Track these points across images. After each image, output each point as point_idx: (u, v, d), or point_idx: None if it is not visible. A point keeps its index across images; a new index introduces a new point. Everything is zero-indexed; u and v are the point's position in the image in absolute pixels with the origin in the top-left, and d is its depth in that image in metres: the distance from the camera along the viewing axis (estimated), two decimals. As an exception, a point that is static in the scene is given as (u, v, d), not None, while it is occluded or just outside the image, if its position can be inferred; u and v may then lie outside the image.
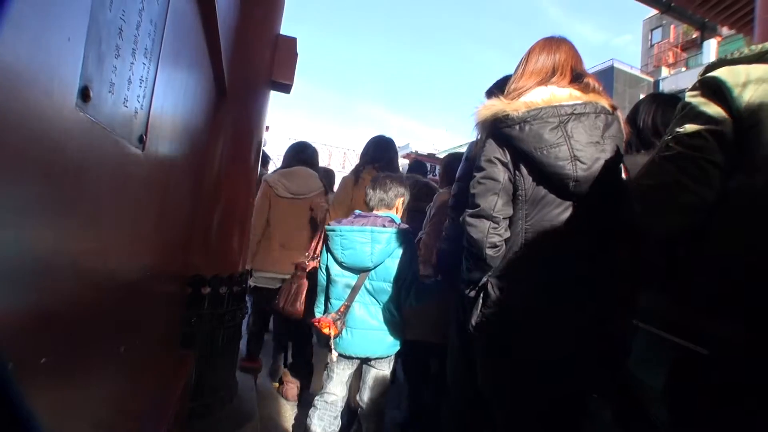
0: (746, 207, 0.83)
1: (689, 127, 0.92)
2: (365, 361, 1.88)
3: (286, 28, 2.74)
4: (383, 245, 1.78)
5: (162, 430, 1.30)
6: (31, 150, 0.46)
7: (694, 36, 17.95)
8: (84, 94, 0.55)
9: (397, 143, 2.94)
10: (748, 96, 0.85)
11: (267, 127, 3.25)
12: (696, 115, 0.92)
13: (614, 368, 1.17)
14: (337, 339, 1.81)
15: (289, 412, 2.57)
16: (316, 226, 2.87)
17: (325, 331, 1.78)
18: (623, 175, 1.31)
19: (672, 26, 19.87)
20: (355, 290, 1.83)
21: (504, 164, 1.26)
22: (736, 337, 0.79)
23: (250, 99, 2.49)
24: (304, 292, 2.41)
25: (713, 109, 0.90)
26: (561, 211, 1.23)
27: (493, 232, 1.25)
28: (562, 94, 1.25)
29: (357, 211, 1.93)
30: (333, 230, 1.84)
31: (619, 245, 1.16)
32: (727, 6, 4.38)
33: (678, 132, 0.93)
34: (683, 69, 19.33)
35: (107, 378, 0.87)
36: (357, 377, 1.97)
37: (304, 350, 2.86)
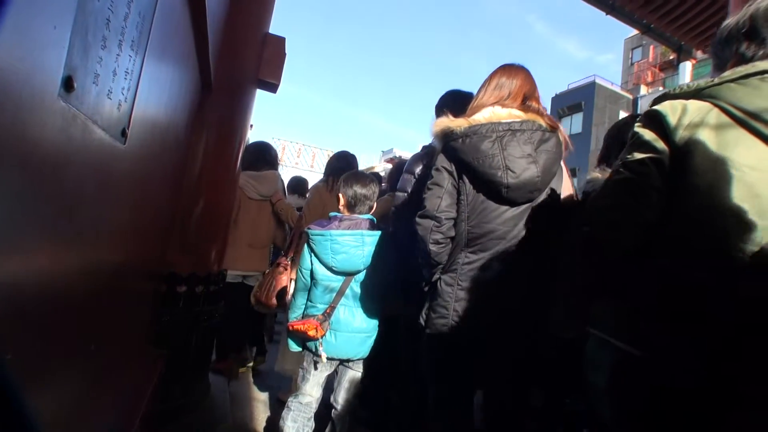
0: (679, 227, 0.95)
1: (636, 155, 1.03)
2: (344, 362, 1.88)
3: (279, 31, 2.73)
4: (371, 248, 1.81)
5: (130, 432, 1.27)
6: (9, 138, 0.44)
7: (671, 57, 18.61)
8: (67, 84, 0.53)
9: (382, 148, 3.09)
10: (683, 129, 0.98)
11: (251, 126, 3.25)
12: (641, 143, 1.03)
13: (569, 372, 1.31)
14: (318, 341, 1.79)
15: (262, 415, 2.54)
16: (281, 225, 3.11)
17: (311, 333, 1.76)
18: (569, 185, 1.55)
19: (651, 47, 20.54)
20: (340, 293, 1.83)
21: (449, 172, 1.46)
22: (662, 340, 0.91)
23: (235, 96, 2.46)
24: (279, 288, 2.49)
25: (655, 139, 1.01)
26: (499, 214, 1.42)
27: (436, 230, 1.44)
28: (502, 113, 1.44)
29: (335, 214, 1.90)
30: (322, 235, 1.79)
31: (577, 256, 1.29)
32: (701, 32, 4.70)
33: (627, 158, 1.05)
34: (660, 88, 19.98)
35: (73, 376, 0.84)
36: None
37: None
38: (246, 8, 2.36)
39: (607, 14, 4.95)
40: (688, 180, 0.95)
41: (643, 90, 19.11)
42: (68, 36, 0.50)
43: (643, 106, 17.97)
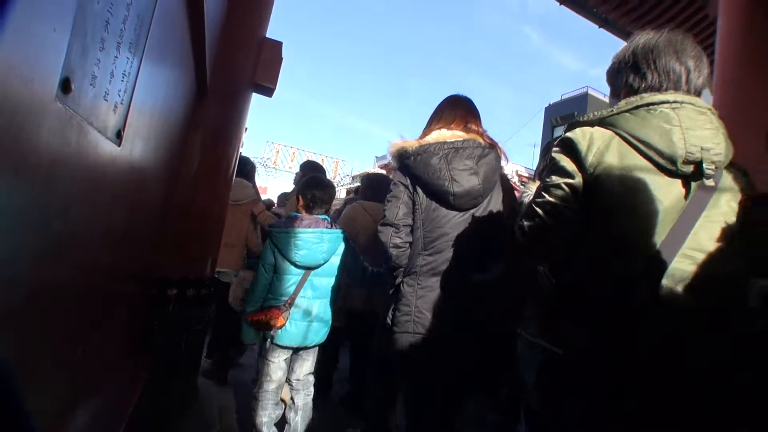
0: (590, 242, 1.10)
1: (554, 179, 1.16)
2: (299, 350, 2.10)
3: (277, 35, 2.73)
4: (330, 244, 2.07)
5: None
6: (5, 139, 0.44)
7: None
8: (65, 86, 0.53)
9: (376, 153, 3.37)
10: (591, 154, 1.11)
11: (245, 129, 3.29)
12: (558, 168, 1.15)
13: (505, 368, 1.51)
14: (279, 330, 2.00)
15: (250, 422, 2.51)
16: (254, 230, 3.49)
17: (274, 322, 1.95)
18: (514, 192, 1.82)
19: (643, 60, 20.86)
20: (300, 286, 2.04)
21: (405, 186, 1.69)
22: (579, 341, 1.05)
23: (231, 100, 2.46)
24: None
25: (569, 165, 1.13)
26: (449, 220, 1.64)
27: (395, 236, 1.67)
28: (447, 134, 1.70)
29: (294, 214, 2.13)
30: (286, 232, 2.03)
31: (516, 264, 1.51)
32: None
33: (547, 182, 1.17)
34: (652, 102, 20.25)
35: (59, 379, 0.83)
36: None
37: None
38: (243, 12, 2.37)
39: (600, 27, 5.04)
40: (599, 200, 1.09)
41: (635, 102, 19.35)
42: (67, 38, 0.50)
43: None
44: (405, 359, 1.62)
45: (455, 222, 1.64)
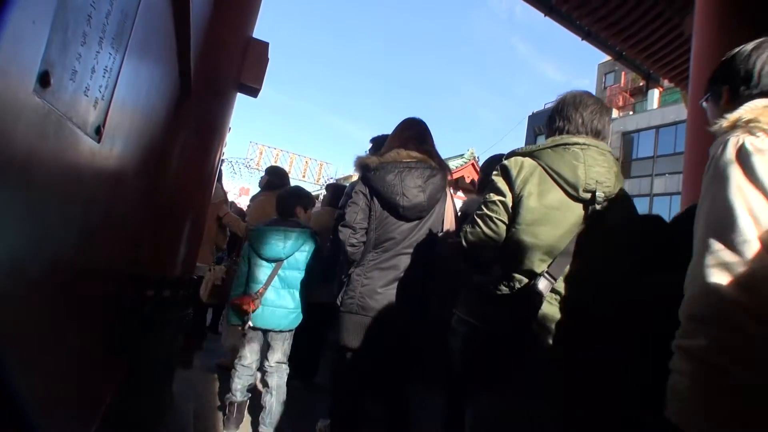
0: (511, 246, 1.44)
1: (491, 195, 1.50)
2: (270, 332, 2.45)
3: (264, 36, 2.71)
4: (293, 241, 2.44)
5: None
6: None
7: (641, 84, 19.34)
8: (43, 80, 0.52)
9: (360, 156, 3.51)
10: (519, 179, 1.45)
11: (229, 129, 3.27)
12: (495, 188, 1.50)
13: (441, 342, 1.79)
14: (252, 314, 2.39)
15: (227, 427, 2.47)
16: (222, 229, 3.96)
17: (245, 307, 2.35)
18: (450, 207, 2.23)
19: (623, 72, 21.31)
20: (271, 277, 2.43)
21: (364, 194, 2.01)
22: (495, 316, 1.43)
23: (215, 99, 2.43)
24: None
25: (503, 186, 1.48)
26: (397, 227, 1.98)
27: (352, 236, 1.99)
28: (403, 154, 2.01)
29: (273, 218, 2.59)
30: (257, 230, 2.49)
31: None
32: (669, 62, 5.02)
33: (486, 198, 1.52)
34: (630, 113, 20.72)
35: (26, 380, 0.81)
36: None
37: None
38: (230, 12, 2.35)
39: (582, 39, 5.15)
40: (521, 213, 1.43)
41: (615, 113, 19.73)
42: (47, 31, 0.49)
43: (614, 128, 18.57)
44: (346, 333, 2.00)
45: (402, 229, 1.99)
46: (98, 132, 0.83)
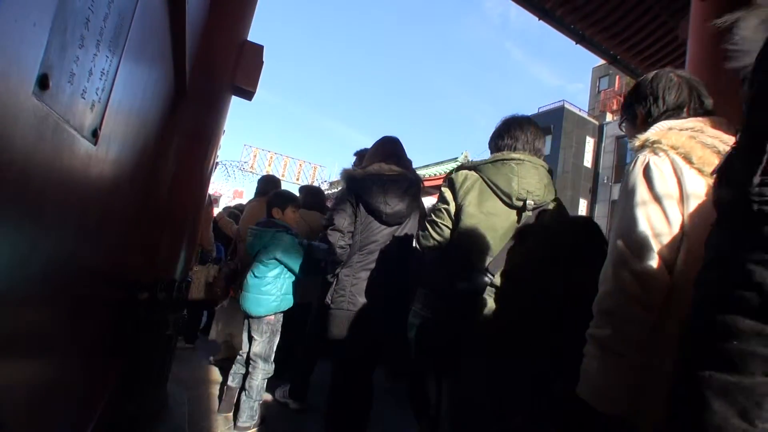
0: (456, 247, 1.71)
1: (439, 204, 1.77)
2: (250, 318, 2.72)
3: (258, 39, 2.72)
4: (264, 240, 2.71)
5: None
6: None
7: (635, 87, 19.46)
8: (42, 82, 0.52)
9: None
10: (462, 190, 1.71)
11: (223, 131, 3.27)
12: (442, 198, 1.77)
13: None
14: (241, 298, 2.71)
15: (221, 428, 2.46)
16: (206, 232, 4.16)
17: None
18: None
19: (617, 76, 21.43)
20: (248, 268, 2.78)
21: (350, 202, 2.26)
22: (440, 309, 1.71)
23: (210, 102, 2.43)
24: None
25: (448, 195, 1.75)
26: (380, 231, 2.24)
27: (341, 240, 2.24)
28: (385, 168, 2.28)
29: (261, 219, 2.88)
30: (250, 228, 2.81)
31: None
32: (663, 66, 4.97)
33: (436, 206, 1.80)
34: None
35: (22, 382, 0.80)
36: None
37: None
38: (225, 15, 2.35)
39: (576, 43, 5.18)
40: (462, 219, 1.69)
41: (609, 117, 19.83)
42: (47, 34, 0.50)
43: (608, 132, 18.69)
44: (337, 328, 2.22)
45: (384, 233, 2.27)
46: (95, 135, 0.83)
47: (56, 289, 0.86)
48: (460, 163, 2.27)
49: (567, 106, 19.54)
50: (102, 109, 0.84)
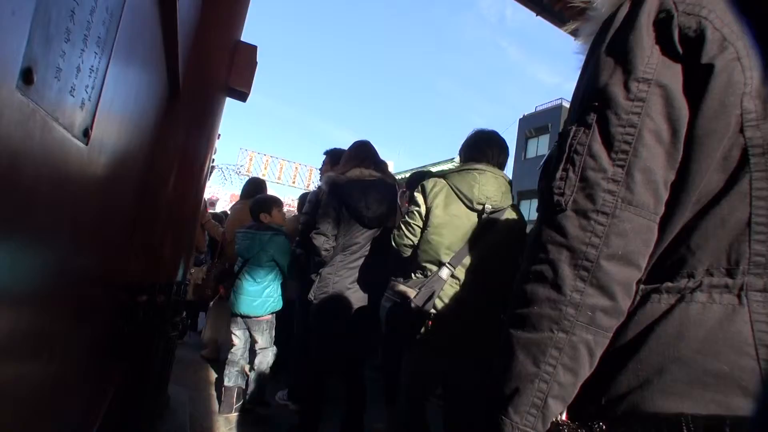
0: (425, 244, 2.02)
1: (411, 207, 2.08)
2: (246, 318, 3.00)
3: (251, 40, 2.70)
4: (257, 242, 2.97)
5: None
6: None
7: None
8: (26, 76, 0.50)
9: None
10: (432, 195, 2.01)
11: (218, 135, 3.27)
12: (414, 201, 2.07)
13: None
14: (234, 302, 2.97)
15: (222, 429, 2.45)
16: (200, 234, 4.32)
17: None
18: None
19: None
20: (240, 270, 3.01)
21: (334, 207, 2.47)
22: (406, 295, 1.97)
23: (204, 104, 2.41)
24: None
25: (420, 199, 2.04)
26: (362, 232, 2.48)
27: (325, 242, 2.45)
28: (365, 173, 2.53)
29: (250, 223, 3.16)
30: (239, 232, 3.13)
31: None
32: None
33: (409, 209, 2.09)
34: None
35: (21, 387, 0.79)
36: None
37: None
38: (217, 15, 2.33)
39: (576, 39, 5.16)
40: (431, 220, 1.99)
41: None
42: (28, 24, 0.48)
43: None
44: (316, 324, 2.49)
45: (365, 234, 2.48)
46: (86, 134, 0.82)
47: (53, 293, 0.84)
48: (456, 163, 2.49)
49: (565, 104, 19.58)
50: (93, 108, 0.82)
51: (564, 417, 0.66)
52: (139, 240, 1.93)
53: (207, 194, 5.12)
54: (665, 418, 0.56)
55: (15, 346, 0.69)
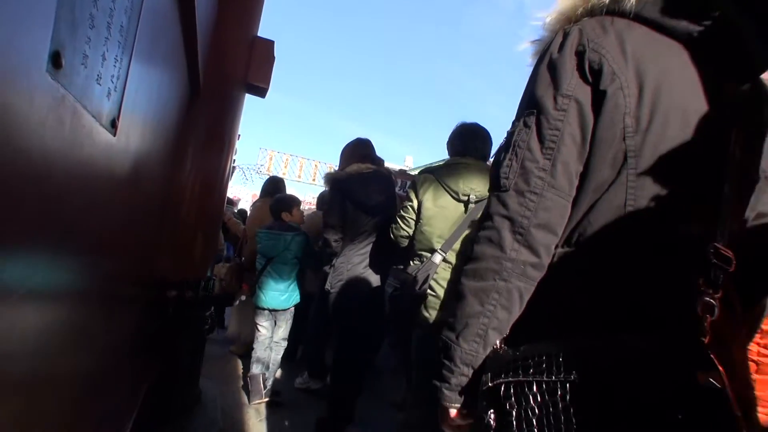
0: (419, 234, 2.27)
1: (405, 203, 2.33)
2: (273, 311, 3.28)
3: (267, 35, 2.71)
4: (282, 241, 3.25)
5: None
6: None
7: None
8: (55, 60, 0.51)
9: None
10: (422, 189, 2.25)
11: (238, 136, 3.33)
12: (408, 197, 2.31)
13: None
14: (261, 298, 3.23)
15: (253, 420, 2.50)
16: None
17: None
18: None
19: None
20: (264, 267, 3.27)
21: (338, 200, 2.70)
22: (405, 280, 2.23)
23: (224, 100, 2.43)
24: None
25: (412, 195, 2.28)
26: (366, 221, 2.71)
27: (333, 234, 2.72)
28: (363, 167, 2.75)
29: (271, 222, 3.43)
30: (260, 232, 3.34)
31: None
32: None
33: (403, 203, 2.36)
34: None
35: (62, 384, 0.80)
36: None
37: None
38: (234, 10, 2.34)
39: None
40: (422, 213, 2.23)
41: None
42: (54, 6, 0.48)
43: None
44: (338, 310, 2.69)
45: (371, 222, 2.71)
46: (113, 125, 0.83)
47: (87, 288, 0.85)
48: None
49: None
50: (119, 99, 0.83)
51: (500, 344, 0.85)
52: (166, 236, 1.96)
53: (229, 194, 5.28)
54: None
55: (52, 345, 0.70)
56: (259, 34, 2.66)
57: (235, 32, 2.37)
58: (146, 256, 1.56)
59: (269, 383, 3.06)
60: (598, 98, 0.81)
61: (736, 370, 0.67)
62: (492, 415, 0.77)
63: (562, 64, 0.82)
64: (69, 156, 0.64)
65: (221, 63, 2.24)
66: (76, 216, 0.72)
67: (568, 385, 0.69)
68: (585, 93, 0.81)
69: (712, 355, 0.63)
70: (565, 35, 0.84)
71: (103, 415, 1.15)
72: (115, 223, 1.02)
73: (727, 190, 0.74)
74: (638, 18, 0.81)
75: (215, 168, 2.48)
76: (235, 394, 2.99)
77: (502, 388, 0.76)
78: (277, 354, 3.27)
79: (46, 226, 0.60)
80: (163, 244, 1.89)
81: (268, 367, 3.16)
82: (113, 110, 0.80)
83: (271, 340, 3.30)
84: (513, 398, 0.74)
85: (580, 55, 0.81)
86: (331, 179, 2.78)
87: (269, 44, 2.63)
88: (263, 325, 3.29)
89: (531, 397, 0.72)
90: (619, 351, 0.71)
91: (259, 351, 3.19)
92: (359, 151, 2.88)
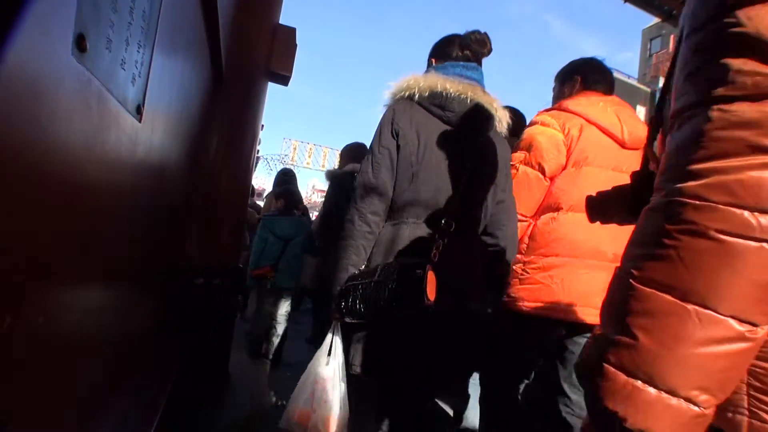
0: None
1: None
2: (284, 289, 3.74)
3: (289, 22, 2.70)
4: (301, 226, 3.79)
5: (151, 425, 1.26)
6: (22, 92, 0.42)
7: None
8: (80, 43, 0.51)
9: None
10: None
11: (262, 126, 3.38)
12: None
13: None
14: (276, 277, 3.65)
15: (280, 403, 2.54)
16: None
17: (269, 275, 3.65)
18: None
19: (672, 36, 19.93)
20: (283, 251, 3.69)
21: (336, 196, 2.89)
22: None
23: (247, 89, 2.45)
24: None
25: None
26: None
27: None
28: (356, 166, 2.54)
29: (283, 209, 3.96)
30: (273, 218, 3.86)
31: None
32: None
33: None
34: (678, 77, 19.40)
35: (96, 369, 0.83)
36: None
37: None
38: (255, -1, 2.34)
39: (625, 1, 4.76)
40: None
41: (662, 81, 18.48)
42: (77, -12, 0.48)
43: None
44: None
45: None
46: (138, 111, 0.83)
47: (110, 278, 0.87)
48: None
49: (616, 75, 18.46)
50: (143, 85, 0.84)
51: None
52: (193, 224, 2.00)
53: (254, 183, 5.45)
54: None
55: (84, 333, 0.72)
56: (280, 21, 2.66)
57: (257, 19, 2.37)
58: (174, 244, 1.60)
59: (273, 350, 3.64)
60: (398, 146, 1.48)
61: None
62: (342, 303, 1.39)
63: (383, 126, 1.52)
64: (97, 140, 0.65)
65: (243, 51, 2.25)
66: (105, 202, 0.74)
67: (372, 283, 1.34)
68: (392, 144, 1.49)
69: (428, 267, 1.30)
70: (390, 110, 1.53)
71: (134, 399, 1.19)
72: (143, 209, 1.04)
73: (457, 192, 1.48)
74: (420, 104, 1.52)
75: (239, 157, 2.51)
76: (264, 380, 3.06)
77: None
78: (281, 327, 3.76)
79: (77, 209, 0.62)
80: (189, 232, 1.93)
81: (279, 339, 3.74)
82: (138, 96, 0.81)
83: (285, 317, 3.80)
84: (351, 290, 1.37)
85: (391, 124, 1.49)
86: (330, 177, 3.19)
87: (291, 31, 2.63)
88: (271, 302, 3.77)
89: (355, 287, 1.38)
90: (399, 263, 1.37)
91: (274, 327, 3.72)
92: (354, 152, 3.26)
